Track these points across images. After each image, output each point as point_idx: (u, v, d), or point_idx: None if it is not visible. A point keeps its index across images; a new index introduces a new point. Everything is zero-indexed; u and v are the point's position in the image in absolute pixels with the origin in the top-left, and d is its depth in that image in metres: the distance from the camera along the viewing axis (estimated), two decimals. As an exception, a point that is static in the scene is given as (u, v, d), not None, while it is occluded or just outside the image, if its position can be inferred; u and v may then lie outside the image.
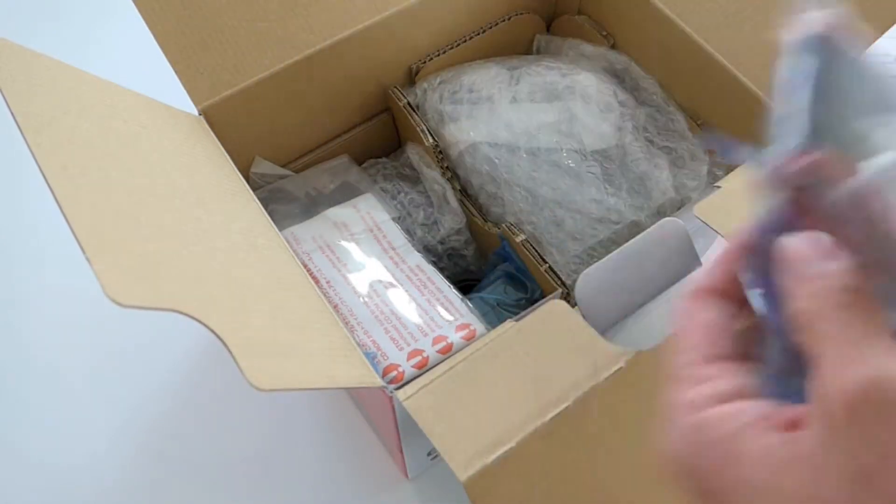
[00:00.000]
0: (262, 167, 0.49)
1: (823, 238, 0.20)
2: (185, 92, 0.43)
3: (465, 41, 0.53)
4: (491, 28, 0.53)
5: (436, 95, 0.50)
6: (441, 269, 0.51)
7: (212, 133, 0.43)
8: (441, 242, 0.49)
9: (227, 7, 0.43)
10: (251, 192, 0.41)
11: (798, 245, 0.20)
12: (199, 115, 0.43)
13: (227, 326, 0.27)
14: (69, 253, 0.28)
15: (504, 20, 0.54)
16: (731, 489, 0.19)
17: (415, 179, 0.51)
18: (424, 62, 0.52)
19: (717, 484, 0.20)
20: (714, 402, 0.21)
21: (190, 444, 0.52)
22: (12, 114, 0.29)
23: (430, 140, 0.49)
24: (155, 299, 0.25)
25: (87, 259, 0.24)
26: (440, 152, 0.49)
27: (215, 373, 0.55)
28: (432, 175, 0.49)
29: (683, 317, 0.23)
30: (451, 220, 0.49)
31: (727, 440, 0.20)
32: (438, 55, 0.52)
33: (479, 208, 0.49)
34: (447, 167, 0.49)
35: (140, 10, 0.41)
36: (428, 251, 0.49)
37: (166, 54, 0.42)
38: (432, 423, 0.31)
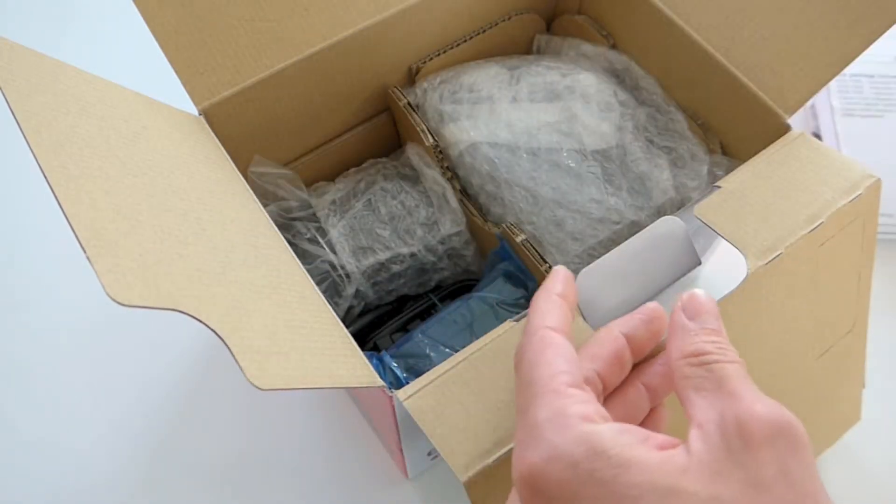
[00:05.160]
0: (262, 167, 0.49)
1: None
2: (185, 92, 0.43)
3: (465, 41, 0.53)
4: (491, 28, 0.53)
5: (436, 95, 0.50)
6: (441, 269, 0.51)
7: (212, 133, 0.43)
8: (441, 242, 0.49)
9: (227, 7, 0.43)
10: (251, 192, 0.41)
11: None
12: (199, 115, 0.43)
13: (228, 326, 0.27)
14: (69, 253, 0.28)
15: (504, 20, 0.54)
16: (627, 492, 0.23)
17: (415, 179, 0.51)
18: (424, 62, 0.52)
19: (608, 489, 0.23)
20: (602, 420, 0.24)
21: (189, 443, 0.52)
22: (13, 113, 0.29)
23: (431, 140, 0.49)
24: (156, 299, 0.25)
25: (88, 259, 0.24)
26: (440, 152, 0.49)
27: (215, 372, 0.55)
28: (432, 175, 0.49)
29: (539, 346, 0.27)
30: (451, 220, 0.49)
31: (624, 449, 0.23)
32: (438, 55, 0.52)
33: (479, 208, 0.49)
34: (447, 167, 0.49)
35: (140, 10, 0.41)
36: (428, 251, 0.49)
37: (166, 54, 0.42)
38: (433, 424, 0.31)
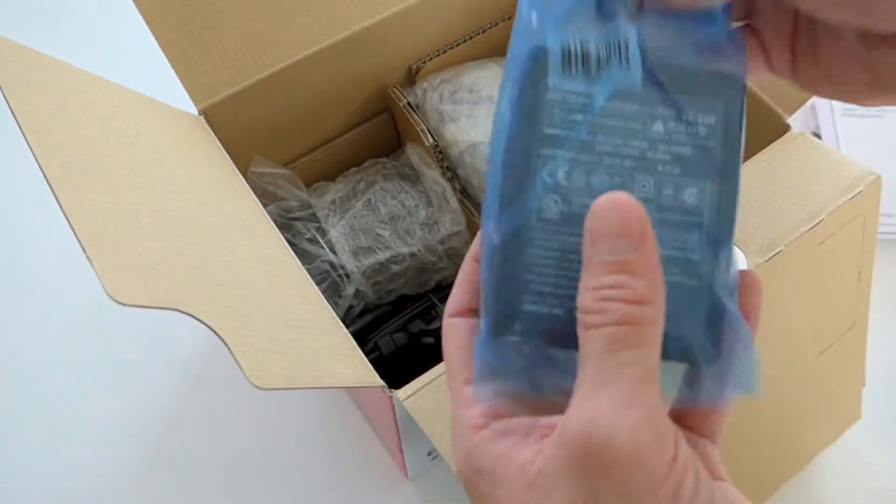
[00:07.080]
0: (262, 167, 0.49)
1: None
2: (185, 92, 0.43)
3: (465, 41, 0.53)
4: (491, 28, 0.53)
5: (436, 95, 0.50)
6: (441, 269, 0.51)
7: (212, 133, 0.43)
8: (441, 242, 0.49)
9: (227, 7, 0.43)
10: (251, 192, 0.41)
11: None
12: (199, 115, 0.43)
13: (228, 325, 0.27)
14: (69, 252, 0.28)
15: (504, 20, 0.54)
16: None
17: (415, 179, 0.51)
18: (424, 62, 0.52)
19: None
20: (484, 422, 0.22)
21: (189, 443, 0.52)
22: (13, 113, 0.29)
23: (431, 140, 0.49)
24: (156, 298, 0.25)
25: (88, 258, 0.25)
26: (440, 152, 0.49)
27: (215, 372, 0.55)
28: (432, 175, 0.49)
29: (445, 339, 0.25)
30: (451, 220, 0.49)
31: (495, 463, 0.22)
32: (438, 55, 0.52)
33: (479, 208, 0.49)
34: (447, 167, 0.49)
35: (140, 10, 0.41)
36: (428, 251, 0.49)
37: (166, 54, 0.42)
38: (433, 424, 0.31)
